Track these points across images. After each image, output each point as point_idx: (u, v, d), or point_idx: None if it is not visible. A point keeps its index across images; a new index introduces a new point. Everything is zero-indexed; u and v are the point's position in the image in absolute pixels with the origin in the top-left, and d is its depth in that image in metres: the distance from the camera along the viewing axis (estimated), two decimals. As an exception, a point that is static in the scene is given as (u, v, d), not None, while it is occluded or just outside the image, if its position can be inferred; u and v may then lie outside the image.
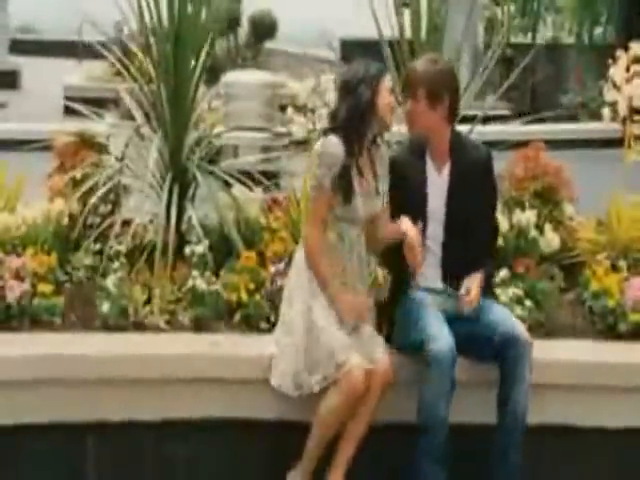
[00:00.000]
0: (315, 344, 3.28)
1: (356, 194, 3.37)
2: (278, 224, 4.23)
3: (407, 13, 4.26)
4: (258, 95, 8.13)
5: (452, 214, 3.44)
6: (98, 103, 5.13)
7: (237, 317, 3.76)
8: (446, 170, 3.45)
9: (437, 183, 3.44)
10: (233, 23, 13.37)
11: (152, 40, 4.24)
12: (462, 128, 4.27)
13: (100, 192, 4.03)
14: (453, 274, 3.47)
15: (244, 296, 3.77)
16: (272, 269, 3.86)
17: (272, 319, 3.70)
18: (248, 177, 4.34)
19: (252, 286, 3.81)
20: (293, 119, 4.49)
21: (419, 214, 3.40)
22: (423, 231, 3.41)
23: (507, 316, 3.45)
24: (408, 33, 4.32)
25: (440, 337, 3.25)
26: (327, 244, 3.41)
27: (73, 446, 3.51)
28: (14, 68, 15.87)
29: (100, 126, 4.50)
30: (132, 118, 4.45)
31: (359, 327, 3.40)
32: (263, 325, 3.71)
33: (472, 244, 3.45)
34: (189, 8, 4.25)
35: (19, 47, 17.05)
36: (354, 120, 3.33)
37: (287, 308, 3.43)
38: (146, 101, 4.35)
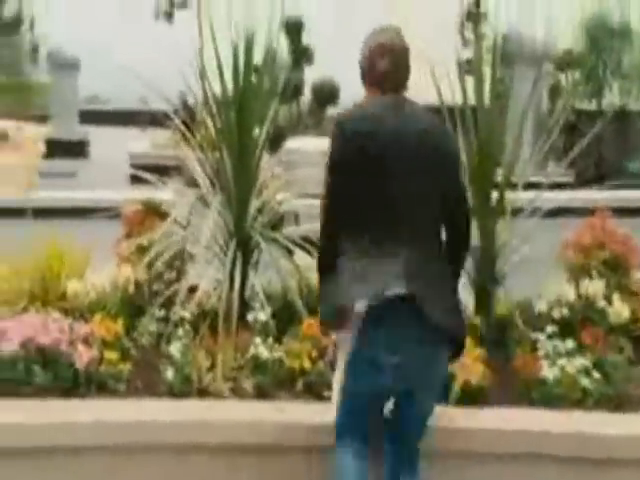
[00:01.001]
0: None
1: None
2: (341, 291, 4.21)
3: (470, 80, 4.28)
4: (320, 162, 8.22)
5: None
6: (163, 170, 5.23)
7: (299, 385, 3.73)
8: None
9: None
10: (295, 91, 13.62)
11: (216, 108, 4.33)
12: (526, 195, 4.25)
13: (164, 259, 4.08)
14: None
15: (307, 363, 3.76)
16: (334, 336, 3.85)
17: (335, 387, 3.68)
18: (310, 244, 4.35)
19: (315, 353, 3.79)
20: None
21: None
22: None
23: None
24: (472, 99, 4.33)
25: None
26: None
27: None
28: (82, 138, 16.37)
29: (165, 193, 4.58)
30: (196, 185, 4.52)
31: None
32: (326, 393, 3.68)
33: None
34: (253, 77, 4.34)
35: (87, 117, 17.60)
36: None
37: None
38: (210, 168, 4.42)
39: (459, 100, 4.34)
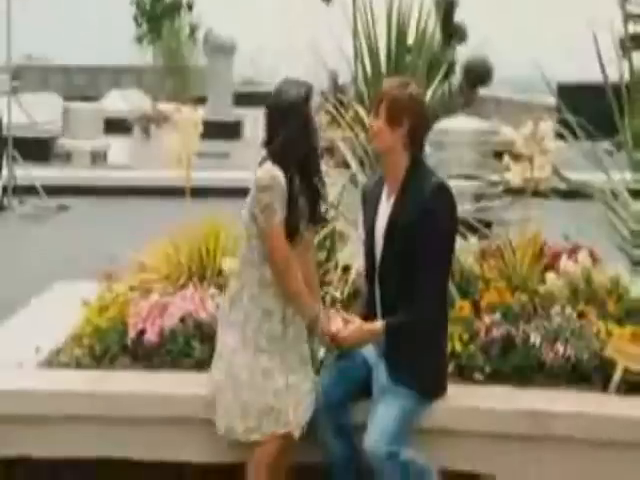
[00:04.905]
0: None
1: None
2: (493, 274, 4.14)
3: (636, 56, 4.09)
4: (470, 142, 8.09)
5: (387, 247, 3.33)
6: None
7: (450, 367, 3.70)
8: (392, 199, 3.35)
9: (383, 209, 3.37)
10: (447, 70, 13.45)
11: (367, 88, 4.32)
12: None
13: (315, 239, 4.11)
14: (386, 310, 3.38)
15: (458, 346, 3.72)
16: (487, 319, 3.79)
17: (487, 370, 3.63)
18: (462, 225, 4.28)
19: (466, 336, 3.75)
20: (509, 166, 4.41)
21: (368, 239, 3.41)
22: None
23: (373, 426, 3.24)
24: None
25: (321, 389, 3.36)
26: None
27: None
28: (236, 119, 16.78)
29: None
30: (347, 166, 4.54)
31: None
32: (477, 376, 3.64)
33: (403, 287, 3.29)
34: (407, 58, 4.31)
35: (241, 99, 18.02)
36: None
37: None
38: (361, 149, 4.43)
39: (619, 77, 4.16)
